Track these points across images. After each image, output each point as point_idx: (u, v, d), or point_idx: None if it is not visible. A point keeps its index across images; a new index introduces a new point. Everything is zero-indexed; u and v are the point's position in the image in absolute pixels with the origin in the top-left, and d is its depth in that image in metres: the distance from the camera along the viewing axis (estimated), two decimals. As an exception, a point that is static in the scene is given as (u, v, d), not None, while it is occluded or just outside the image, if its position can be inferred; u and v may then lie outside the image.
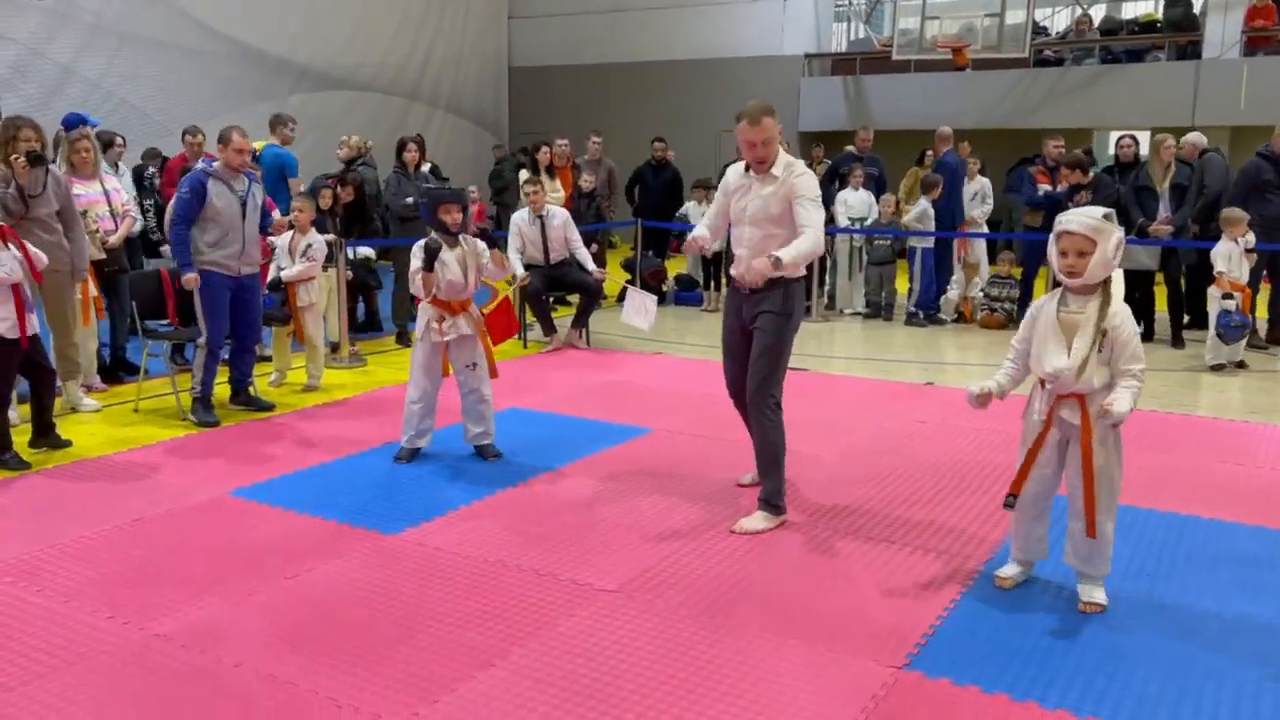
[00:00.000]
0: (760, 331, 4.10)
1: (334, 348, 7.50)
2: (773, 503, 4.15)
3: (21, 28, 11.34)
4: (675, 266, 11.26)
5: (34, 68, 11.45)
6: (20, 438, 5.04)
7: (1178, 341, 8.14)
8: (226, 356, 5.88)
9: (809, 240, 3.92)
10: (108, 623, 3.22)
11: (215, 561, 3.71)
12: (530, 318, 8.17)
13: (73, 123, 7.19)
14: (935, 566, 3.74)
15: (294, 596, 3.43)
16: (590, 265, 8.10)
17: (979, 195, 10.06)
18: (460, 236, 4.83)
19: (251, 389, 6.05)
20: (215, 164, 5.59)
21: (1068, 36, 14.75)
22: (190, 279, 5.48)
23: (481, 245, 4.90)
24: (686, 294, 10.60)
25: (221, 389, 5.95)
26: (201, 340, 5.62)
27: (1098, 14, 15.02)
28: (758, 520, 4.11)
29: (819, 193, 4.08)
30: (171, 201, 5.83)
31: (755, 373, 4.12)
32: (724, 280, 10.60)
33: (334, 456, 5.03)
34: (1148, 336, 8.42)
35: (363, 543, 3.89)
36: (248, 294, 5.75)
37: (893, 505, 4.40)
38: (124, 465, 4.89)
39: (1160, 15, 14.65)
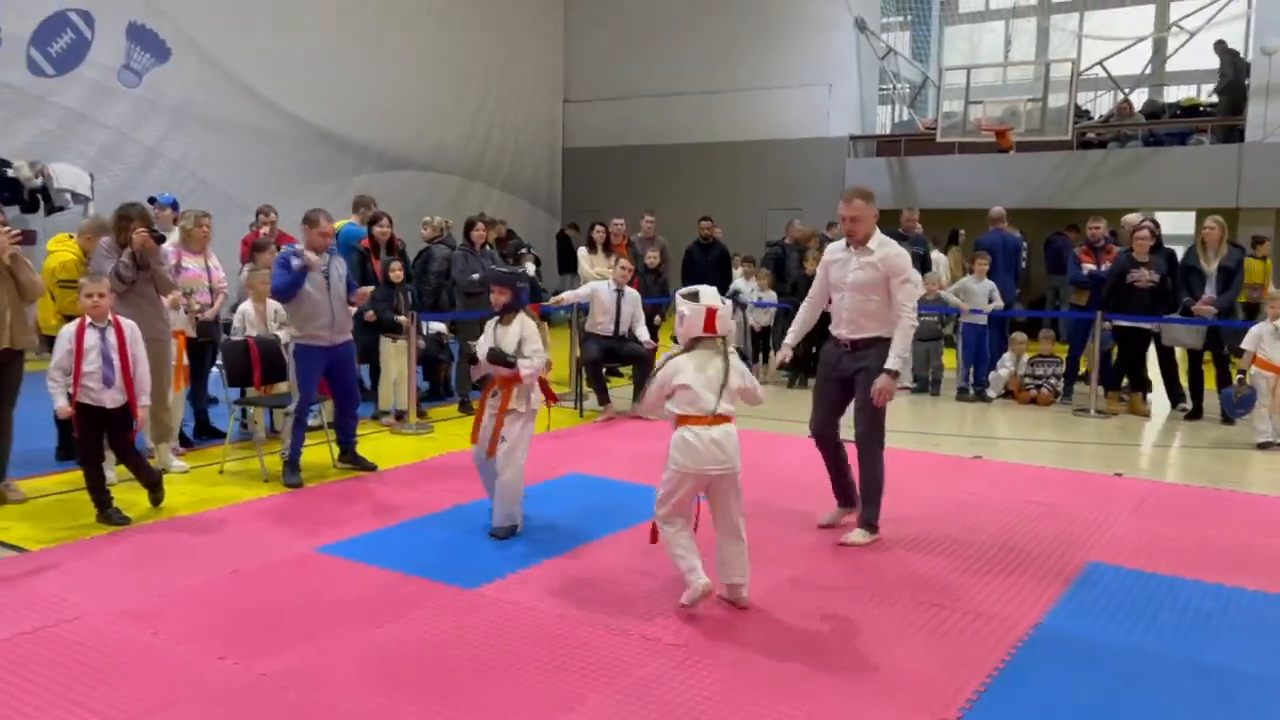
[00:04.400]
0: (863, 387, 4.83)
1: (399, 415, 7.89)
2: (872, 524, 4.97)
3: (112, 113, 12.17)
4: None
5: (123, 150, 12.25)
6: (123, 495, 5.40)
7: (1228, 419, 8.21)
8: (314, 422, 6.25)
9: (905, 328, 4.77)
10: (219, 662, 3.51)
11: (309, 610, 3.99)
12: (587, 387, 8.50)
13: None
14: (987, 629, 3.91)
15: (383, 643, 3.70)
16: (644, 336, 8.46)
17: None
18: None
19: (357, 449, 6.41)
20: (298, 245, 6.06)
21: (1110, 120, 15.07)
22: (312, 261, 5.91)
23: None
24: (736, 367, 10.86)
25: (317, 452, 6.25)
26: (292, 407, 6.01)
27: (1139, 99, 15.35)
28: (859, 535, 4.94)
29: (911, 270, 4.95)
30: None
31: (863, 420, 4.90)
32: (771, 352, 10.91)
33: (409, 517, 5.33)
34: (1196, 415, 8.53)
35: (443, 596, 4.16)
36: (343, 360, 6.18)
37: (944, 570, 4.58)
38: (216, 522, 5.22)
39: (1202, 100, 14.97)
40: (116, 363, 5.15)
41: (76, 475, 5.63)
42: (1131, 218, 9.07)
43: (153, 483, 5.43)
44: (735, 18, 16.86)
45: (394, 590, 4.24)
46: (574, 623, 3.90)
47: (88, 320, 5.14)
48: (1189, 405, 8.66)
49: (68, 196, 10.62)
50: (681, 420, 4.04)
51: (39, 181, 10.41)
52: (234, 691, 3.30)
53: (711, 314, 4.03)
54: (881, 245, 4.83)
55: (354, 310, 6.46)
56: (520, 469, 4.97)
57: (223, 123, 13.27)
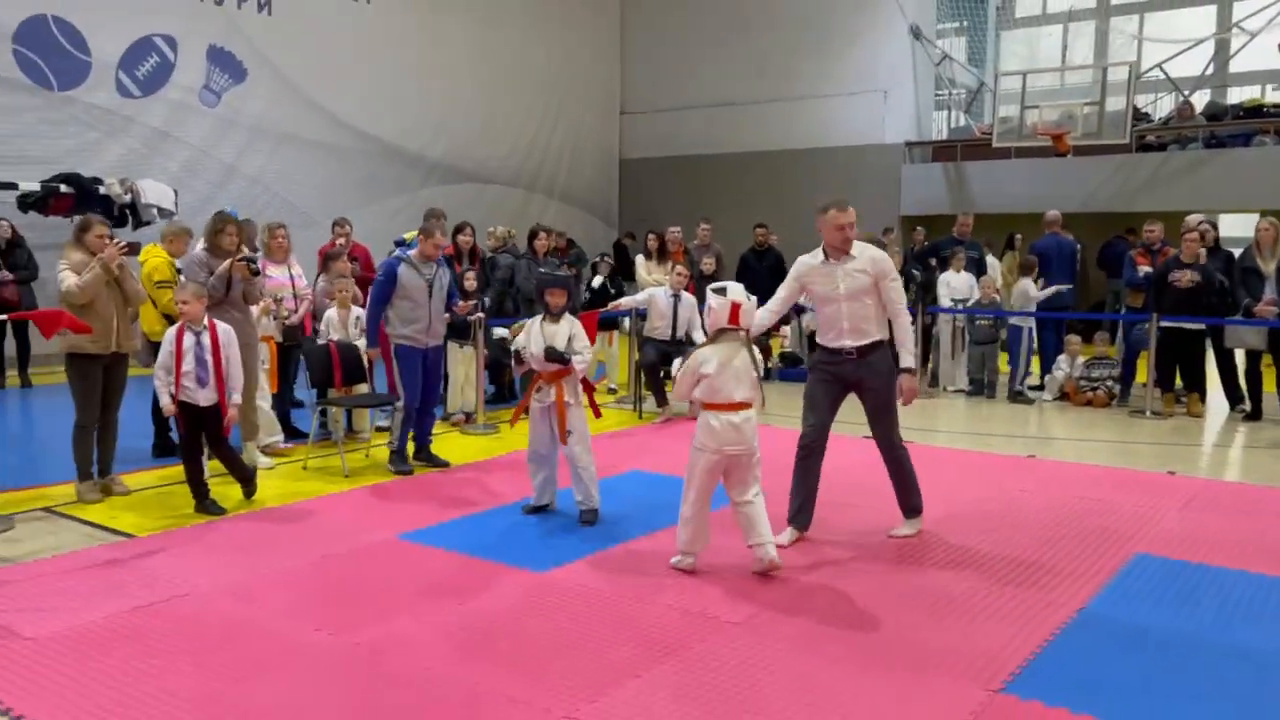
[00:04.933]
0: (875, 391, 4.97)
1: (467, 417, 8.25)
2: (918, 509, 5.17)
3: (194, 132, 12.80)
4: (777, 345, 11.77)
5: (203, 166, 12.87)
6: (218, 489, 5.79)
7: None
8: (383, 422, 6.63)
9: (907, 324, 4.99)
10: (315, 634, 3.85)
11: (394, 589, 4.32)
12: (645, 390, 8.79)
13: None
14: (1037, 607, 4.11)
15: (464, 618, 4.01)
16: (700, 340, 8.69)
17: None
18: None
19: (431, 447, 6.80)
20: (410, 252, 6.50)
21: (1170, 122, 14.95)
22: (371, 353, 6.56)
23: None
24: (791, 371, 11.08)
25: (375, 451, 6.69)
26: (400, 403, 6.47)
27: (1201, 100, 15.20)
28: (908, 527, 5.15)
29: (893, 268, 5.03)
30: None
31: (883, 423, 5.04)
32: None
33: (481, 509, 5.65)
34: (1255, 416, 8.53)
35: (517, 578, 4.47)
36: (431, 363, 6.61)
37: (993, 557, 4.77)
38: (303, 513, 5.60)
39: (1266, 101, 14.77)
40: (210, 364, 5.55)
41: (173, 470, 6.09)
42: (1193, 219, 9.09)
43: (245, 477, 5.83)
44: (789, 27, 17.06)
45: (471, 572, 4.55)
46: (638, 602, 4.17)
47: (186, 323, 5.57)
48: (1248, 406, 8.66)
49: (154, 211, 11.22)
50: (706, 406, 4.45)
51: (128, 198, 11.03)
52: (331, 658, 3.63)
53: (736, 308, 4.43)
54: (863, 250, 4.92)
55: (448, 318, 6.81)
56: (592, 452, 5.43)
57: (296, 139, 13.84)
